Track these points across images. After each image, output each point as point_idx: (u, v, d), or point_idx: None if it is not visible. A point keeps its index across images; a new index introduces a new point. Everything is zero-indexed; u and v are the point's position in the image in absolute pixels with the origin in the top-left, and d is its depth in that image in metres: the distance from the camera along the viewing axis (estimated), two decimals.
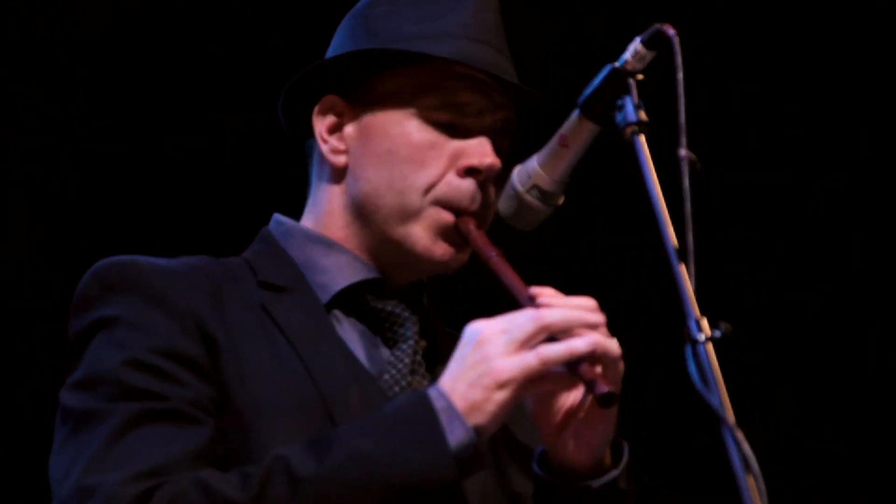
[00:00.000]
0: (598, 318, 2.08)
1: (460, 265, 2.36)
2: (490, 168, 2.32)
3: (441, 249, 2.31)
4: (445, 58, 2.30)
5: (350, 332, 2.30)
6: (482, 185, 2.33)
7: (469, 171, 2.32)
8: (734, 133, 4.05)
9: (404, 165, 2.31)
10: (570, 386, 2.11)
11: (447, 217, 2.31)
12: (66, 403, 2.14)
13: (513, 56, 2.40)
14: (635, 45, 2.09)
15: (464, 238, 2.31)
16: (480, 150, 2.31)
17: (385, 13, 2.37)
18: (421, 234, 2.31)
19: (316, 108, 2.39)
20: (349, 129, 2.37)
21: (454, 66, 2.31)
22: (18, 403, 3.71)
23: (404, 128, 2.32)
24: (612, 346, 2.08)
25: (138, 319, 2.14)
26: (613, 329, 2.09)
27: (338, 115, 2.38)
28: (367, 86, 2.36)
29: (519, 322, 2.05)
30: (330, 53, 2.43)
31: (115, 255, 2.22)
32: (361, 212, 2.35)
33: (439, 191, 2.31)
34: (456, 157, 2.32)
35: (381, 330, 2.32)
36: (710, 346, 1.85)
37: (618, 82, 2.11)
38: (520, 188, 2.29)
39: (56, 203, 3.76)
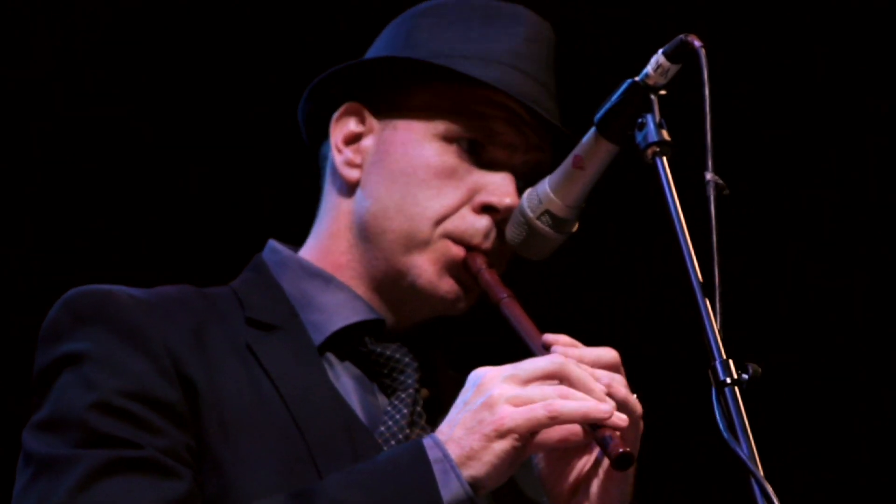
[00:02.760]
0: (618, 377, 2.02)
1: (467, 306, 2.30)
2: (508, 209, 2.27)
3: (447, 286, 2.26)
4: (483, 81, 2.25)
5: (344, 378, 2.25)
6: (498, 225, 2.28)
7: (486, 209, 2.27)
8: (765, 154, 3.99)
9: (418, 189, 2.26)
10: (582, 443, 2.04)
11: (456, 251, 2.26)
12: (29, 446, 2.08)
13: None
14: (657, 57, 2.07)
15: (473, 276, 2.25)
16: (502, 189, 2.27)
17: (431, 25, 2.33)
18: (426, 267, 2.26)
19: (336, 113, 2.35)
20: (368, 141, 2.33)
21: (491, 92, 2.26)
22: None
23: (425, 149, 2.28)
24: (632, 405, 2.02)
25: (110, 357, 2.09)
26: (631, 374, 2.04)
27: (359, 123, 2.34)
28: (394, 97, 2.32)
29: (529, 361, 1.99)
30: (368, 57, 2.39)
31: (89, 282, 2.19)
32: (366, 234, 2.29)
33: (451, 223, 2.26)
34: (475, 190, 2.27)
35: (378, 376, 2.28)
36: (737, 390, 1.82)
37: (638, 98, 2.08)
38: (530, 214, 2.25)
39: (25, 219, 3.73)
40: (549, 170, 2.29)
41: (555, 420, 1.95)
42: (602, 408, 1.96)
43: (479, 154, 2.28)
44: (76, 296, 2.16)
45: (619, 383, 2.03)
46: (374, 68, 2.32)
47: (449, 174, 2.26)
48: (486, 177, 2.27)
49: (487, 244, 2.26)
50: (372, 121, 2.32)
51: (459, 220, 2.26)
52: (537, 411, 1.95)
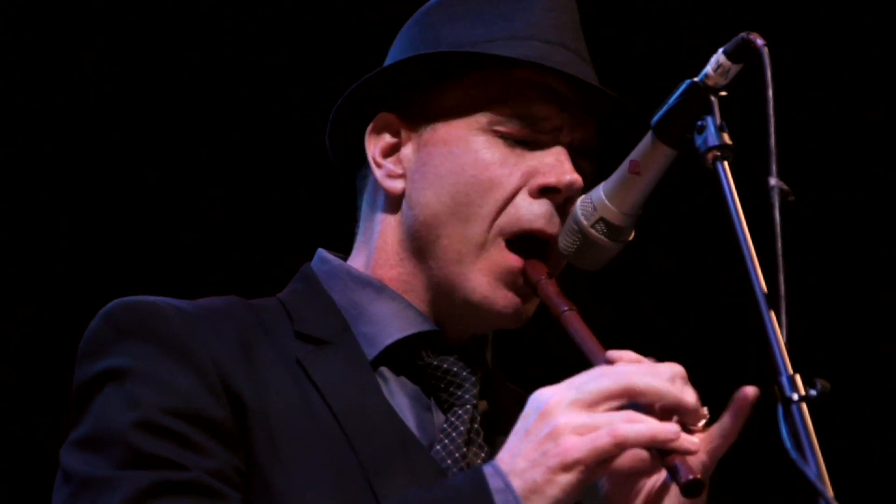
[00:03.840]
0: (690, 395, 1.95)
1: (526, 319, 2.25)
2: (570, 186, 2.20)
3: (503, 299, 2.21)
4: (514, 59, 2.19)
5: (399, 394, 2.22)
6: (561, 208, 2.21)
7: (545, 191, 2.21)
8: (832, 158, 3.94)
9: (470, 188, 2.21)
10: (650, 468, 1.99)
11: (513, 261, 2.20)
12: (68, 464, 2.05)
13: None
14: (718, 56, 2.03)
15: (532, 287, 2.19)
16: (559, 168, 2.21)
17: (445, 19, 2.28)
18: (481, 279, 2.20)
19: (369, 128, 2.30)
20: (407, 150, 2.28)
21: (526, 72, 2.21)
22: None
23: (470, 144, 2.23)
24: (703, 415, 1.96)
25: (154, 372, 2.06)
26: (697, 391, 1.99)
27: (394, 134, 2.29)
28: (426, 100, 2.27)
29: (593, 381, 1.92)
30: (386, 65, 2.34)
31: (128, 294, 2.16)
32: (418, 244, 2.24)
33: (509, 215, 2.20)
34: (530, 174, 2.21)
35: (434, 391, 2.23)
36: (804, 407, 1.79)
37: (698, 100, 2.04)
38: (584, 222, 2.20)
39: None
40: (596, 149, 2.26)
41: (620, 447, 1.88)
42: (668, 428, 1.90)
43: (526, 141, 2.22)
44: (118, 308, 2.13)
45: (690, 395, 1.96)
46: (395, 75, 2.27)
47: (500, 164, 2.21)
48: (539, 159, 2.22)
49: (552, 228, 2.20)
50: (407, 128, 2.28)
51: (514, 209, 2.20)
52: (602, 439, 1.88)
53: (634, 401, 1.92)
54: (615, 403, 1.91)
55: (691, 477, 1.89)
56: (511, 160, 2.21)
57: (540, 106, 2.23)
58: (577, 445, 1.88)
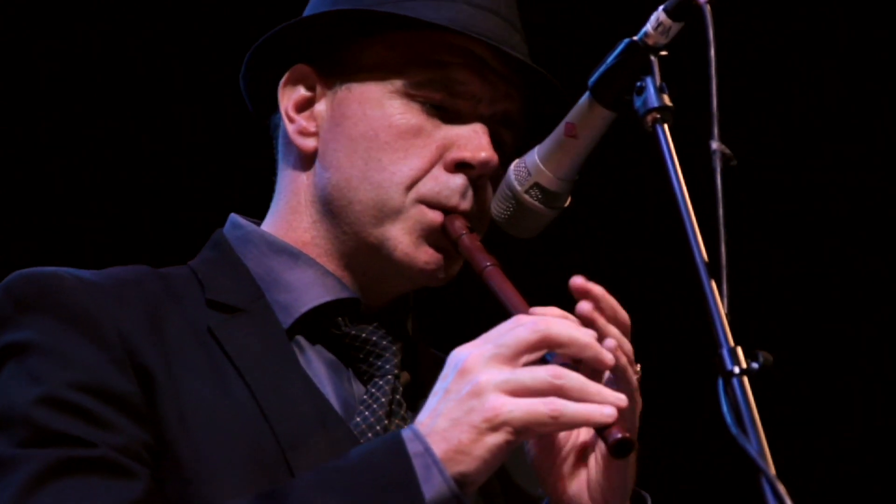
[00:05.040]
0: (609, 354, 1.92)
1: (450, 277, 2.23)
2: (485, 164, 2.19)
3: (426, 255, 2.19)
4: (434, 23, 2.16)
5: (316, 364, 2.19)
6: (475, 183, 2.20)
7: (460, 166, 2.19)
8: (776, 121, 3.96)
9: (383, 153, 2.18)
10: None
11: (434, 216, 2.18)
12: None
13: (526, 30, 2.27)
14: (658, 14, 2.01)
15: (453, 243, 2.17)
16: (475, 142, 2.19)
17: None
18: (401, 237, 2.18)
19: (283, 79, 2.27)
20: (321, 106, 2.25)
21: (447, 35, 2.18)
22: None
23: (385, 108, 2.20)
24: (630, 377, 1.93)
25: (57, 346, 2.03)
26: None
27: (309, 88, 2.26)
28: (344, 54, 2.24)
29: (509, 332, 1.89)
30: (308, 12, 2.30)
31: (32, 265, 2.11)
32: (330, 208, 2.22)
33: (424, 186, 2.18)
34: (445, 147, 2.20)
35: (353, 361, 2.21)
36: (745, 380, 1.77)
37: (637, 60, 2.02)
38: (517, 187, 2.18)
39: None
40: (520, 121, 2.23)
41: (556, 420, 1.85)
42: (606, 412, 1.86)
43: (444, 108, 2.20)
44: (17, 280, 2.08)
45: (626, 349, 1.94)
46: (314, 26, 2.23)
47: (414, 133, 2.19)
48: (455, 130, 2.20)
49: (466, 204, 2.19)
50: (322, 83, 2.24)
51: (432, 181, 2.18)
52: (538, 408, 1.85)
53: (554, 350, 1.90)
54: (535, 355, 1.88)
55: (620, 436, 1.86)
56: (427, 128, 2.19)
57: (461, 72, 2.20)
58: (508, 406, 1.85)
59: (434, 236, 2.18)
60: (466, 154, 2.18)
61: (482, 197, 2.21)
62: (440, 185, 2.18)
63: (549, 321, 1.90)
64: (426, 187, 2.18)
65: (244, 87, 2.32)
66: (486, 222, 2.22)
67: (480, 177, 2.19)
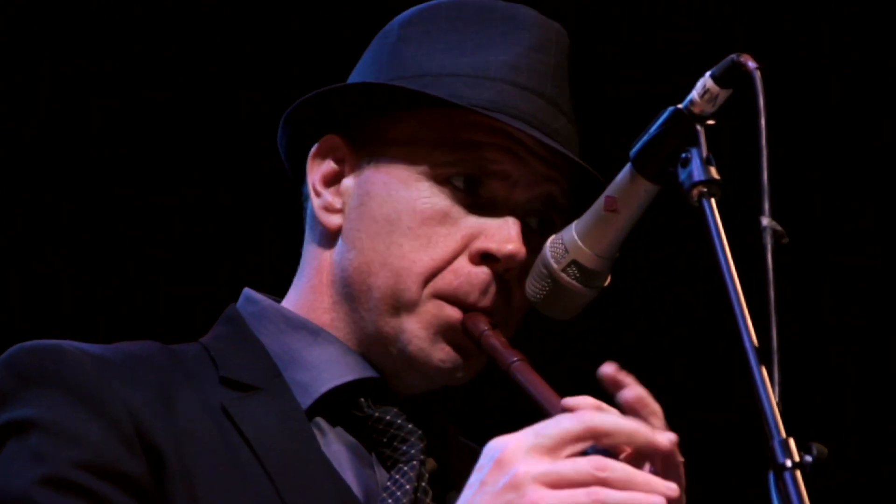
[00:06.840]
0: (664, 436, 1.87)
1: (470, 376, 2.19)
2: (510, 257, 2.14)
3: (441, 353, 2.16)
4: (467, 108, 2.13)
5: (336, 447, 2.16)
6: (500, 278, 2.16)
7: (484, 257, 2.16)
8: (831, 197, 3.97)
9: (405, 239, 2.16)
10: None
11: (451, 313, 2.15)
12: None
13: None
14: (705, 80, 1.99)
15: (475, 342, 2.14)
16: (503, 233, 2.15)
17: (418, 37, 2.22)
18: (417, 331, 2.16)
19: (312, 150, 2.25)
20: (349, 181, 2.23)
21: (486, 117, 2.14)
22: None
23: (411, 190, 2.17)
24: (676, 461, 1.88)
25: (61, 423, 2.01)
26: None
27: (338, 161, 2.24)
28: (375, 127, 2.21)
29: (552, 423, 1.85)
30: (352, 79, 2.29)
31: (36, 338, 2.11)
32: (350, 291, 2.19)
33: (443, 280, 2.15)
34: (472, 236, 2.16)
35: (376, 445, 2.17)
36: (798, 474, 1.75)
37: (682, 129, 2.00)
38: (554, 265, 2.15)
39: None
40: (565, 205, 2.21)
41: None
42: (654, 500, 1.80)
43: (476, 193, 2.17)
44: (19, 353, 2.08)
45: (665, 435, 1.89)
46: (348, 95, 2.21)
47: (440, 219, 2.16)
48: (485, 222, 2.16)
49: (486, 301, 2.15)
50: (352, 157, 2.22)
51: (452, 274, 2.15)
52: (580, 499, 1.79)
53: (600, 443, 1.84)
54: (579, 447, 1.83)
55: None
56: (454, 214, 2.16)
57: (495, 152, 2.16)
58: (548, 499, 1.79)
59: (452, 333, 2.15)
60: (492, 245, 2.14)
61: (508, 291, 2.17)
62: (460, 280, 2.14)
63: (595, 413, 1.86)
64: (444, 281, 2.15)
65: (282, 149, 2.31)
66: (514, 318, 2.19)
67: (507, 270, 2.15)
